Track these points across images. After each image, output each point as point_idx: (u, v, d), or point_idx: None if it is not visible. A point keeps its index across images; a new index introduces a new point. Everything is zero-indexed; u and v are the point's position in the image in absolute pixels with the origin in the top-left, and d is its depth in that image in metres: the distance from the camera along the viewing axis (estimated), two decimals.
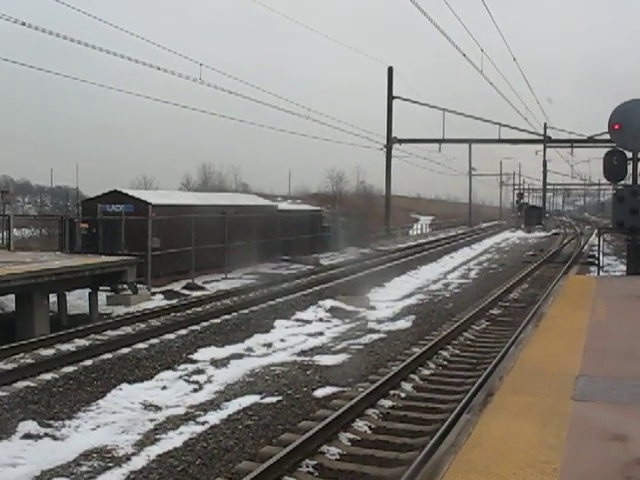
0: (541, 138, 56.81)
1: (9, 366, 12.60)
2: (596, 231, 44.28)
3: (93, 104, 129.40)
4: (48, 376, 12.00)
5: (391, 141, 51.55)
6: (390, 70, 51.50)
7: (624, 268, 23.25)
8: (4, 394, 10.85)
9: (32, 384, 11.49)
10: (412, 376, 12.03)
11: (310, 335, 16.12)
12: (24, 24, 20.56)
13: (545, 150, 65.40)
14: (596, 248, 29.55)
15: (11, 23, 19.79)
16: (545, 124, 58.53)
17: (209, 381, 12.15)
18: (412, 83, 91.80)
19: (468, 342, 15.24)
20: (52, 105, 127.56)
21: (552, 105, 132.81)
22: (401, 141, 52.50)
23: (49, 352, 13.95)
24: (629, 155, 19.48)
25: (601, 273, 23.04)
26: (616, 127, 19.03)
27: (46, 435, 9.26)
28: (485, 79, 39.62)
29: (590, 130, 64.19)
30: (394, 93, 51.52)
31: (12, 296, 16.84)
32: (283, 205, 40.70)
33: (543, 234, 68.31)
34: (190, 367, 12.94)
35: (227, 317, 17.74)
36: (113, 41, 25.04)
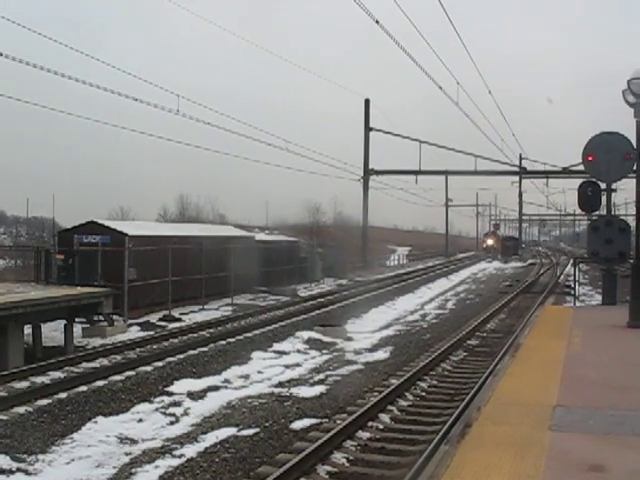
0: (516, 169, 57.34)
1: None
2: (572, 261, 44.63)
3: (71, 135, 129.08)
4: (21, 409, 11.82)
5: (368, 172, 51.81)
6: (367, 102, 51.92)
7: (600, 298, 23.42)
8: None
9: (4, 417, 11.30)
10: (390, 407, 11.99)
11: (287, 367, 16.04)
12: (1, 54, 20.54)
13: (521, 181, 65.98)
14: (572, 278, 29.75)
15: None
16: (520, 155, 59.10)
17: (186, 413, 12.04)
18: (390, 115, 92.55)
19: (446, 373, 15.24)
20: (29, 135, 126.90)
21: (551, 104, 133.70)
22: (378, 172, 52.78)
23: (23, 385, 13.76)
24: (603, 186, 19.71)
25: (577, 303, 23.19)
26: (590, 159, 19.26)
27: (19, 470, 9.11)
28: (461, 111, 40.09)
29: (565, 161, 64.91)
30: (371, 125, 51.90)
31: None
32: (261, 236, 40.65)
33: (520, 264, 68.80)
34: (167, 399, 12.82)
35: (204, 349, 17.62)
36: (91, 72, 25.04)
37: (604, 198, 20.07)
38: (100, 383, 13.82)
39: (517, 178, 62.80)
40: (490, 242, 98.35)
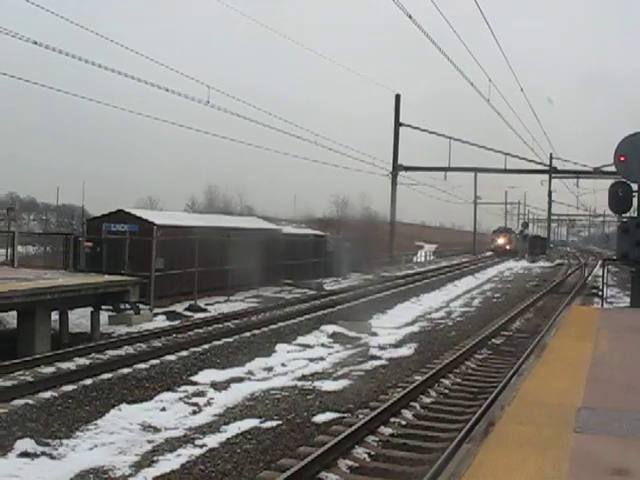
0: (547, 169, 56.94)
1: (8, 383, 12.55)
2: (600, 262, 44.21)
3: (101, 124, 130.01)
4: (47, 394, 11.95)
5: (397, 168, 51.72)
6: (397, 97, 51.80)
7: (628, 300, 23.17)
8: (2, 411, 10.78)
9: (31, 402, 11.43)
10: (413, 404, 11.96)
11: (311, 360, 16.05)
12: (35, 43, 20.74)
13: (550, 180, 65.54)
14: (600, 279, 29.47)
15: (22, 42, 19.94)
16: (551, 154, 58.68)
17: (209, 404, 12.09)
18: (419, 111, 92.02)
19: (470, 371, 15.17)
20: (59, 124, 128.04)
21: (553, 105, 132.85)
22: (407, 168, 52.67)
23: (49, 370, 13.90)
24: (634, 187, 19.48)
25: (605, 305, 22.94)
26: (622, 159, 19.04)
27: (43, 454, 9.20)
28: (492, 108, 39.82)
29: (596, 161, 64.25)
30: (401, 120, 51.74)
31: (14, 313, 16.83)
32: (287, 229, 40.62)
33: (547, 264, 68.28)
34: (190, 389, 12.88)
35: (229, 340, 17.68)
36: (122, 62, 25.21)
37: (635, 199, 19.82)
38: (125, 371, 13.92)
39: (547, 177, 62.35)
40: (501, 241, 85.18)
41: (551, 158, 58.41)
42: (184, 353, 15.88)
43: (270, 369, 14.93)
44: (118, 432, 10.31)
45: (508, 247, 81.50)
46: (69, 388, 12.42)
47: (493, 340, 18.96)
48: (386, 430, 10.49)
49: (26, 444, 9.34)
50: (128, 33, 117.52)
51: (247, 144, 36.49)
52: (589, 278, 45.58)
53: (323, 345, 18.01)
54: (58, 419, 10.67)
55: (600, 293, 26.48)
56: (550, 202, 77.66)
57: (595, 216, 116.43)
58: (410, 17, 24.63)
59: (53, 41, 21.30)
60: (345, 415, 11.31)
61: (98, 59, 23.65)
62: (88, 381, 12.95)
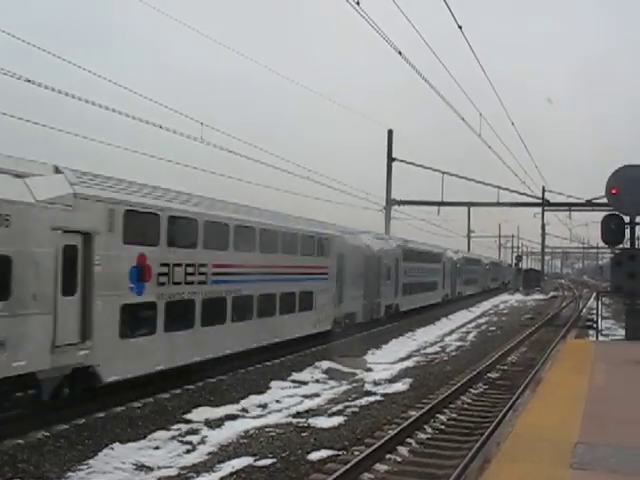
0: (539, 201, 56.99)
1: None
2: (594, 294, 44.20)
3: (94, 161, 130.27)
4: (39, 434, 11.80)
5: (390, 202, 51.76)
6: (390, 133, 52.02)
7: (623, 332, 23.14)
8: None
9: (21, 442, 11.28)
10: (408, 440, 11.87)
11: (306, 396, 15.95)
12: (29, 81, 20.79)
13: (543, 213, 65.66)
14: (594, 311, 29.46)
15: (23, 82, 19.95)
16: (543, 187, 58.76)
17: (202, 442, 11.97)
18: (411, 146, 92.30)
19: (465, 406, 15.08)
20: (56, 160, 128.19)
21: (552, 104, 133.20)
22: (400, 203, 52.69)
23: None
24: (627, 219, 19.55)
25: (600, 337, 22.89)
26: (614, 192, 19.13)
27: None
28: (483, 142, 39.95)
29: (588, 193, 64.41)
30: (393, 154, 51.92)
31: None
32: None
33: (541, 297, 68.26)
34: (184, 427, 12.76)
35: (222, 377, 17.54)
36: (115, 99, 25.27)
37: (628, 231, 19.88)
38: (118, 409, 13.78)
39: (540, 210, 62.47)
40: None
41: (543, 191, 58.52)
42: (177, 391, 15.74)
43: (264, 406, 14.82)
44: (111, 472, 10.19)
45: None
46: (61, 427, 12.27)
47: (488, 374, 18.89)
48: (381, 467, 10.40)
49: None
50: (118, 69, 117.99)
51: (240, 180, 36.42)
52: (583, 310, 45.56)
53: (318, 381, 17.89)
54: (49, 459, 10.53)
55: (595, 325, 26.43)
56: (543, 235, 77.84)
57: (588, 248, 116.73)
58: (400, 53, 24.79)
59: (50, 80, 21.21)
60: (340, 452, 11.21)
61: (93, 97, 23.67)
62: (80, 420, 12.80)
